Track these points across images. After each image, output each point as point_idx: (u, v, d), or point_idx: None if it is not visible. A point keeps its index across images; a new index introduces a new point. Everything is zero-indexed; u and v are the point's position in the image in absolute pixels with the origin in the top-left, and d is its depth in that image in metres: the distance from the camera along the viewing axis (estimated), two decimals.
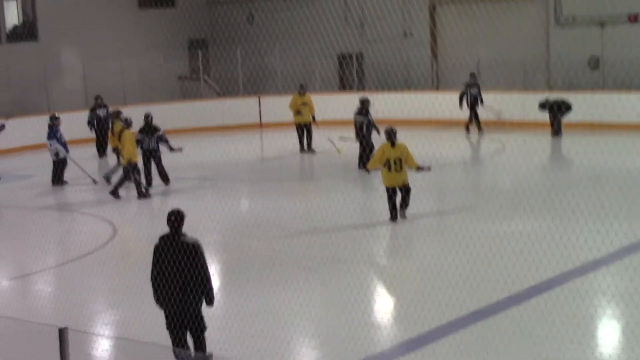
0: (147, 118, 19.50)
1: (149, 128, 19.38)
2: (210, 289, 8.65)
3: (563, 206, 15.45)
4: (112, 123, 21.08)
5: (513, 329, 9.91)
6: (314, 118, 23.59)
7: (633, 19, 25.95)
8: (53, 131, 20.31)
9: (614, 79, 25.74)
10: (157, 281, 8.60)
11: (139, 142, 19.15)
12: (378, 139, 17.81)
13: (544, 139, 23.59)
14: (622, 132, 23.54)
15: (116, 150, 20.44)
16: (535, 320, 10.07)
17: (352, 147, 20.55)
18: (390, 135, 15.07)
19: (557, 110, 23.83)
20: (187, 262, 8.44)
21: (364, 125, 19.80)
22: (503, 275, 11.66)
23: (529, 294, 11.05)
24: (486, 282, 11.53)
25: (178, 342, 8.73)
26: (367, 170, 16.00)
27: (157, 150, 19.37)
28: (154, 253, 8.66)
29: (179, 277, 8.46)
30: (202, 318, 8.76)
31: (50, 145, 20.35)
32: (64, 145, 20.46)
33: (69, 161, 20.49)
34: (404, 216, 15.20)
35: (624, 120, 23.94)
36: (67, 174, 20.62)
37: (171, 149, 19.61)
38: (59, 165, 20.49)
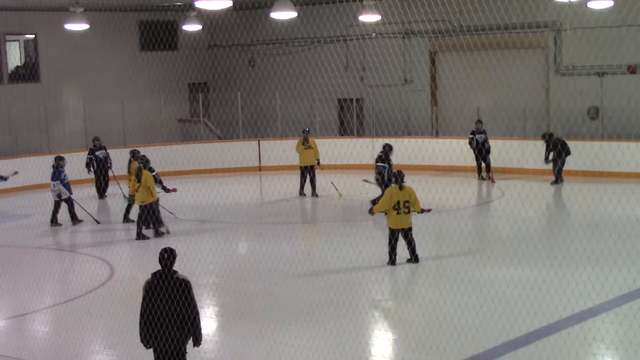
0: (141, 159, 19.50)
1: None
2: (199, 327, 8.70)
3: (562, 253, 15.46)
4: (129, 162, 20.92)
5: None
6: (318, 162, 23.60)
7: (632, 70, 26.12)
8: (57, 172, 20.34)
9: (613, 128, 25.86)
10: (147, 318, 8.62)
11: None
12: None
13: (543, 186, 23.64)
14: (621, 180, 23.60)
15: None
16: None
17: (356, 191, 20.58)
18: (398, 179, 15.19)
19: (554, 148, 23.71)
20: (179, 298, 8.53)
21: (384, 171, 19.78)
22: (502, 320, 11.63)
23: (527, 340, 11.00)
24: (484, 327, 11.49)
25: None
26: (372, 213, 15.96)
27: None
28: (146, 290, 8.71)
29: (171, 313, 8.51)
30: (184, 354, 8.77)
31: (54, 186, 20.36)
32: (67, 186, 20.45)
33: (72, 202, 20.47)
34: (417, 259, 15.25)
35: (623, 169, 24.01)
36: (62, 216, 20.57)
37: (166, 189, 19.61)
38: (59, 205, 20.47)
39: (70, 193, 20.44)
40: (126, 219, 20.21)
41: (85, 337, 12.21)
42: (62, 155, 21.28)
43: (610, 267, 14.16)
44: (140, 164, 18.70)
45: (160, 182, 19.45)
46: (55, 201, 20.47)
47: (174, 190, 19.93)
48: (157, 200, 18.66)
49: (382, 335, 11.89)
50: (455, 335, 11.23)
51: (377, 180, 20.13)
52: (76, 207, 20.51)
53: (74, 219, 20.51)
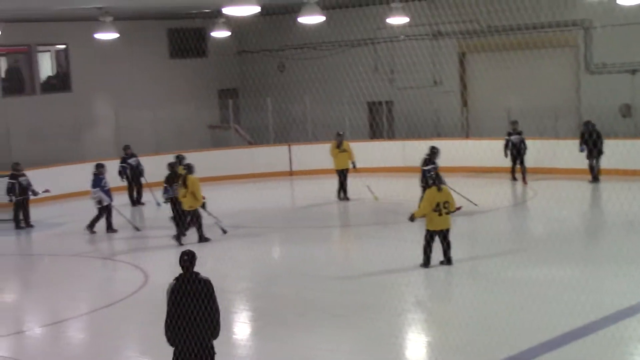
0: (172, 167, 19.58)
1: (172, 177, 19.42)
2: (218, 322, 8.96)
3: (597, 252, 15.35)
4: (172, 168, 20.76)
5: None
6: (354, 165, 23.08)
7: None
8: (98, 179, 20.47)
9: None
10: (173, 318, 8.85)
11: (165, 189, 19.31)
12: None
13: (576, 185, 23.45)
14: None
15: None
16: None
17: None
18: (436, 181, 15.18)
19: (590, 137, 23.59)
20: (203, 297, 8.85)
21: (429, 173, 19.55)
22: (537, 321, 11.56)
23: (563, 341, 10.91)
24: (520, 328, 11.42)
25: None
26: (413, 219, 15.73)
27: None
28: (170, 293, 8.93)
29: (196, 311, 8.80)
30: (212, 347, 9.01)
31: (94, 193, 20.41)
32: (108, 193, 20.56)
33: (111, 210, 20.57)
34: (450, 262, 15.18)
35: None
36: (98, 224, 20.71)
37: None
38: (102, 214, 20.55)
39: (111, 200, 20.55)
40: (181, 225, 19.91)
41: (120, 343, 12.29)
42: (102, 162, 21.39)
43: None
44: (185, 170, 18.80)
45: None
46: (98, 209, 20.52)
47: (203, 198, 19.91)
48: (204, 204, 18.72)
49: (415, 337, 11.85)
50: (490, 336, 11.16)
51: (428, 182, 19.30)
52: (115, 214, 20.60)
53: (110, 227, 20.62)
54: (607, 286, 12.76)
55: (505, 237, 17.57)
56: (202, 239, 18.58)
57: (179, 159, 20.91)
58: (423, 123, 29.28)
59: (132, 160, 24.86)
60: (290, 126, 32.27)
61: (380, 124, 31.15)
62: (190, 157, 28.19)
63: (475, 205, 20.41)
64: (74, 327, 13.47)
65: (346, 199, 23.09)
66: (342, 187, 23.19)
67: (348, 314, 12.88)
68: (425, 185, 19.11)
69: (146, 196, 24.45)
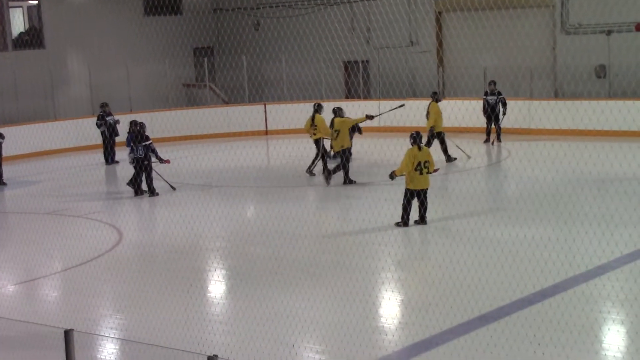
0: (137, 126, 19.43)
1: (138, 137, 19.29)
2: None
3: (569, 212, 15.48)
4: (313, 116, 20.78)
5: (519, 333, 9.90)
6: (331, 148, 20.97)
7: (639, 27, 25.92)
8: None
9: (619, 85, 25.75)
10: None
11: (132, 149, 19.24)
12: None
13: (550, 145, 23.57)
14: (628, 139, 23.53)
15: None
16: (541, 324, 10.07)
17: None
18: (416, 139, 15.19)
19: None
20: None
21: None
22: (509, 279, 11.69)
23: (534, 299, 11.05)
24: (492, 286, 11.55)
25: None
26: (393, 177, 15.84)
27: (145, 159, 19.25)
28: None
29: None
30: None
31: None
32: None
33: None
34: (425, 222, 15.25)
35: (630, 127, 23.94)
36: (72, 180, 20.61)
37: (161, 160, 19.57)
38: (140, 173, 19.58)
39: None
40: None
41: (95, 301, 12.31)
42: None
43: (617, 225, 14.19)
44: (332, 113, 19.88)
45: (155, 152, 19.42)
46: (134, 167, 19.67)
47: (167, 161, 19.86)
48: None
49: (389, 295, 11.95)
50: (462, 294, 11.28)
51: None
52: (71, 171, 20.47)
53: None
54: (578, 245, 12.90)
55: (479, 197, 17.68)
56: (348, 181, 19.37)
57: (319, 106, 21.05)
58: (399, 82, 29.27)
59: (109, 119, 24.70)
60: (266, 85, 32.17)
61: (356, 83, 31.10)
62: (165, 116, 28.29)
63: (469, 157, 22.03)
64: (48, 285, 13.47)
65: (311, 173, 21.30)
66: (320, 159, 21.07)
67: (323, 272, 12.95)
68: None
69: (119, 154, 24.29)
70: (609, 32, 26.42)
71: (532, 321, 10.21)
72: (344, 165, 19.47)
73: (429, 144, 20.90)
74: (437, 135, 21.75)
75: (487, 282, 11.67)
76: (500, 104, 24.65)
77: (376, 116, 20.26)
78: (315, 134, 20.72)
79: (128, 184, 19.48)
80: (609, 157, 18.36)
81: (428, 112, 22.16)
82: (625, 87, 25.48)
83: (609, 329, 10.26)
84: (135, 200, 19.21)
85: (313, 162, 20.99)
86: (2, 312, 11.79)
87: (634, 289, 11.29)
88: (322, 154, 20.75)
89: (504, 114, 24.57)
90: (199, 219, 16.53)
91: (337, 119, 19.62)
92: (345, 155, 19.40)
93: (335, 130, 19.51)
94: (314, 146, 20.91)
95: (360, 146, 22.72)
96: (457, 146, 22.13)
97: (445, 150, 21.73)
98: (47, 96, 28.82)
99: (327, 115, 20.80)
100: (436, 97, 22.08)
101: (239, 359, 9.33)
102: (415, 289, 12.10)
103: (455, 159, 21.75)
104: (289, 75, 31.11)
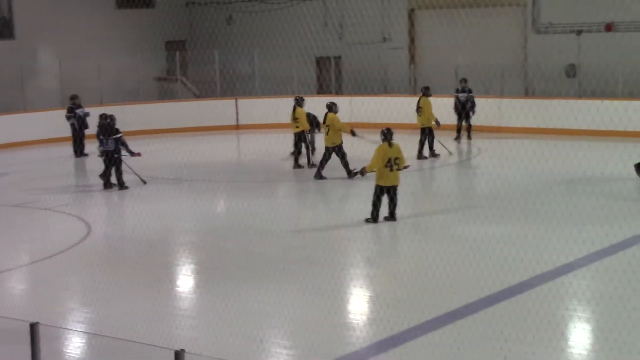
0: (107, 119, 19.29)
1: (107, 130, 19.14)
2: None
3: (538, 210, 15.58)
4: (294, 109, 21.18)
5: (486, 330, 9.95)
6: (309, 137, 21.63)
7: (609, 27, 26.13)
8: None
9: (589, 85, 25.93)
10: None
11: (101, 142, 19.10)
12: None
13: (520, 143, 23.70)
14: (597, 138, 23.72)
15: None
16: (508, 321, 10.11)
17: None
18: (387, 136, 15.19)
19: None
20: None
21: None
22: (477, 276, 11.74)
23: (502, 296, 11.11)
24: (460, 283, 11.60)
25: None
26: (364, 173, 15.90)
27: (115, 152, 19.09)
28: None
29: None
30: None
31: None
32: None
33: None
34: (394, 218, 15.26)
35: (598, 126, 24.10)
36: (41, 172, 20.44)
37: (131, 153, 19.42)
38: (110, 165, 19.26)
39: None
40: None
41: (62, 294, 12.22)
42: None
43: (584, 223, 14.30)
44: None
45: (126, 145, 19.28)
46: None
47: (139, 154, 19.68)
48: None
49: (358, 292, 11.97)
50: (431, 291, 11.32)
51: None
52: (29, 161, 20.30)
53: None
54: (546, 243, 12.99)
55: (448, 194, 17.75)
56: (351, 174, 19.27)
57: (298, 100, 21.30)
58: (371, 78, 29.30)
59: (79, 111, 24.52)
60: (237, 79, 32.08)
61: (328, 78, 31.10)
62: (136, 109, 28.11)
63: (451, 153, 22.38)
64: (15, 278, 13.35)
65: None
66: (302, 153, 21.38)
67: (293, 268, 12.95)
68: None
69: (88, 147, 24.11)
70: (580, 32, 26.60)
71: (499, 318, 10.26)
72: (325, 160, 19.52)
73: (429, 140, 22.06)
74: (426, 129, 21.96)
75: (456, 279, 11.72)
76: (470, 102, 24.80)
77: (358, 136, 19.98)
78: (298, 127, 20.79)
79: (100, 176, 19.37)
80: (577, 156, 18.50)
81: (419, 108, 22.26)
82: (594, 86, 25.66)
83: (575, 327, 10.34)
84: (105, 194, 19.10)
85: (307, 156, 21.34)
86: None
87: (600, 287, 11.39)
88: (307, 145, 21.05)
89: (474, 113, 24.78)
90: (168, 213, 16.47)
91: (330, 115, 19.62)
92: (334, 152, 19.40)
93: (327, 126, 19.56)
94: (289, 141, 20.88)
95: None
96: (439, 142, 22.26)
97: (431, 145, 21.99)
98: (17, 87, 28.52)
99: (307, 108, 20.98)
100: (427, 92, 22.29)
101: (207, 353, 9.30)
102: (384, 285, 12.13)
103: (438, 155, 22.03)
104: (260, 70, 31.05)
